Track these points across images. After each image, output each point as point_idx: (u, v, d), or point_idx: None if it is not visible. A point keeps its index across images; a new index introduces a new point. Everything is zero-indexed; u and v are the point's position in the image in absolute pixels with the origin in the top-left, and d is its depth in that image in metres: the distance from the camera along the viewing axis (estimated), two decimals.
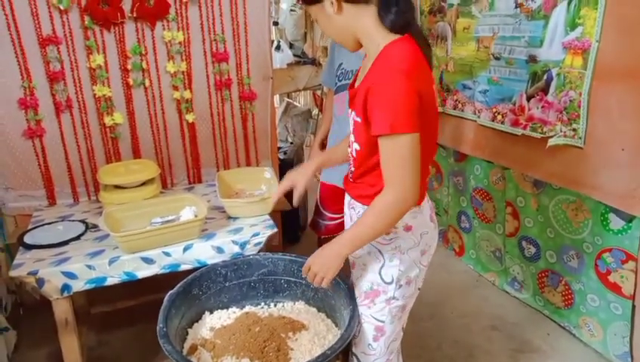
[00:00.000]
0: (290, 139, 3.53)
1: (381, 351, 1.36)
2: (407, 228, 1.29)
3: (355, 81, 1.33)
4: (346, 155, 1.42)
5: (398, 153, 1.10)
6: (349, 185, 1.39)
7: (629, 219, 1.89)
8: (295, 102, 5.15)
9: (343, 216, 2.12)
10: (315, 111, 4.76)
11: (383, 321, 1.34)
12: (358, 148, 1.25)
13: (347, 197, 1.41)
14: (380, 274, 1.32)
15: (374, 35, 1.18)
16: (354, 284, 1.39)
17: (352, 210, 1.37)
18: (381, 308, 1.33)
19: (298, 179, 1.47)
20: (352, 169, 1.34)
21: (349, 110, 1.30)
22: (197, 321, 1.48)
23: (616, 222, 1.95)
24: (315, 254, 1.27)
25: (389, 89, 1.08)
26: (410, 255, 1.31)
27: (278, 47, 4.00)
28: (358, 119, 1.19)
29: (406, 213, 1.17)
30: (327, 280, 1.25)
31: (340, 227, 2.18)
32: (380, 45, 1.17)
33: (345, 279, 1.42)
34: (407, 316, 1.44)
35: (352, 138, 1.27)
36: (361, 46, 1.25)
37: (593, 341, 2.14)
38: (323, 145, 2.22)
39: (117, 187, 1.99)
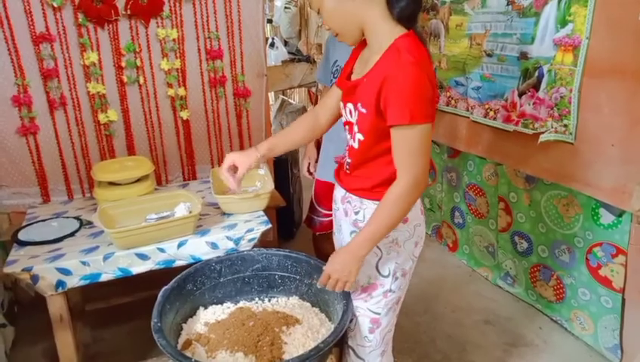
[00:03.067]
0: None
1: (377, 342, 1.39)
2: (404, 220, 1.30)
3: (347, 73, 1.34)
4: (291, 145, 1.46)
5: (414, 142, 1.14)
6: (345, 178, 1.39)
7: (619, 213, 1.92)
8: (290, 100, 5.16)
9: None
10: (310, 108, 4.77)
11: (379, 314, 1.36)
12: (362, 138, 1.25)
13: (340, 191, 1.41)
14: (377, 267, 1.33)
15: (381, 25, 1.19)
16: None
17: (348, 204, 1.38)
18: (378, 300, 1.35)
19: (241, 161, 1.40)
20: (349, 160, 1.34)
21: (343, 103, 1.32)
22: (191, 317, 1.49)
23: (606, 217, 1.97)
24: (333, 262, 1.26)
25: (407, 81, 1.11)
26: (406, 247, 1.33)
27: (272, 45, 4.01)
28: (364, 110, 1.21)
29: (418, 198, 1.20)
30: (350, 284, 1.26)
31: None
32: (389, 38, 1.18)
33: None
34: (400, 308, 1.46)
35: (355, 129, 1.27)
36: (359, 39, 1.26)
37: (584, 334, 2.17)
38: (318, 142, 2.23)
39: (111, 184, 1.99)
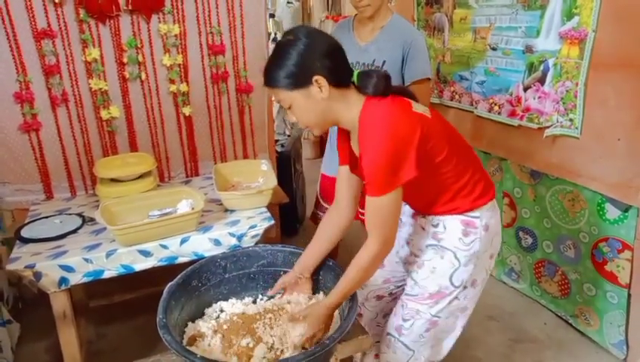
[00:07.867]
0: (287, 132, 3.52)
1: (429, 338, 1.41)
2: (486, 228, 1.32)
3: (348, 150, 1.37)
4: (324, 251, 1.46)
5: (384, 210, 1.19)
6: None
7: (625, 208, 1.90)
8: None
9: None
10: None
11: (439, 317, 1.38)
12: None
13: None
14: (450, 278, 1.34)
15: (355, 107, 1.22)
16: (415, 283, 1.41)
17: (423, 219, 1.40)
18: (442, 307, 1.37)
19: (286, 280, 1.49)
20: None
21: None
22: (198, 317, 1.48)
23: (612, 212, 1.96)
24: (311, 322, 1.27)
25: (376, 155, 1.14)
26: (483, 259, 1.35)
27: (275, 40, 3.99)
28: None
29: (386, 256, 1.26)
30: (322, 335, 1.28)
31: None
32: (357, 110, 1.21)
33: (342, 268, 1.42)
34: (467, 319, 1.46)
35: None
36: (327, 127, 1.29)
37: (589, 330, 2.16)
38: (322, 139, 2.22)
39: (114, 180, 1.98)
